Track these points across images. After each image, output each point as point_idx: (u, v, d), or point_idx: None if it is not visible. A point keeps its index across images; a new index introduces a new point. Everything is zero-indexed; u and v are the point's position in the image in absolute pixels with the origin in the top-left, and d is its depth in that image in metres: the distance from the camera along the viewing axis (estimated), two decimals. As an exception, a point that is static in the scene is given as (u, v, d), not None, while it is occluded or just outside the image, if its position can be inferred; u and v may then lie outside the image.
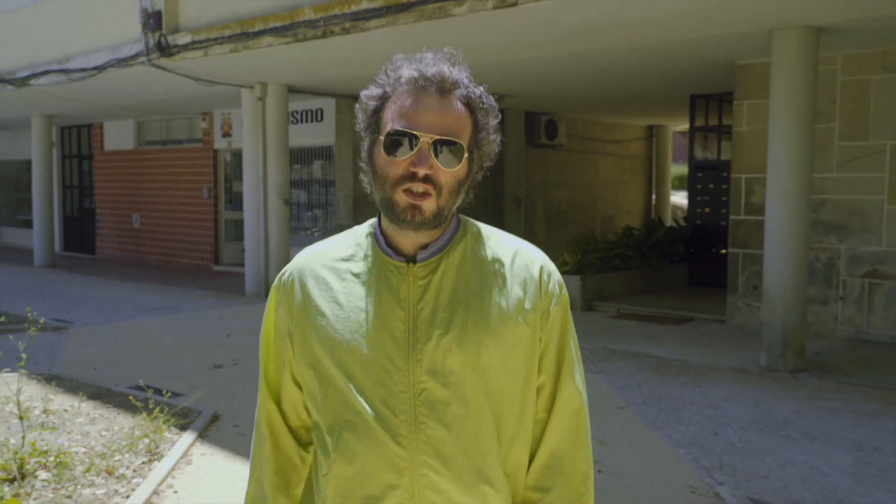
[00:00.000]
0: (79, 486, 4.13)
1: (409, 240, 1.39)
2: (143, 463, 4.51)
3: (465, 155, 1.35)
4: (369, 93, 1.40)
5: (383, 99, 1.37)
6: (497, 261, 1.43)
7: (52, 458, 4.36)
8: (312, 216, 13.81)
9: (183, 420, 5.24)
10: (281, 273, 1.53)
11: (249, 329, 8.71)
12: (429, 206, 1.33)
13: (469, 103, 1.36)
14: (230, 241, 15.29)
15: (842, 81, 7.98)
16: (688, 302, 10.16)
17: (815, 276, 8.22)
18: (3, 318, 6.38)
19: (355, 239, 1.47)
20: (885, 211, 7.83)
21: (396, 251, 1.41)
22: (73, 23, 11.83)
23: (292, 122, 12.95)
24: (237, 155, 14.57)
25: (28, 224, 20.34)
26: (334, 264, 1.45)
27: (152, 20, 10.11)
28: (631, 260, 10.81)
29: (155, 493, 4.09)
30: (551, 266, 1.47)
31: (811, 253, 8.20)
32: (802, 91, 6.75)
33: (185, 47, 9.70)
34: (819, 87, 7.92)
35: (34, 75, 12.41)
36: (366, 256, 1.44)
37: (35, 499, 3.95)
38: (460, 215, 1.47)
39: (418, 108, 1.32)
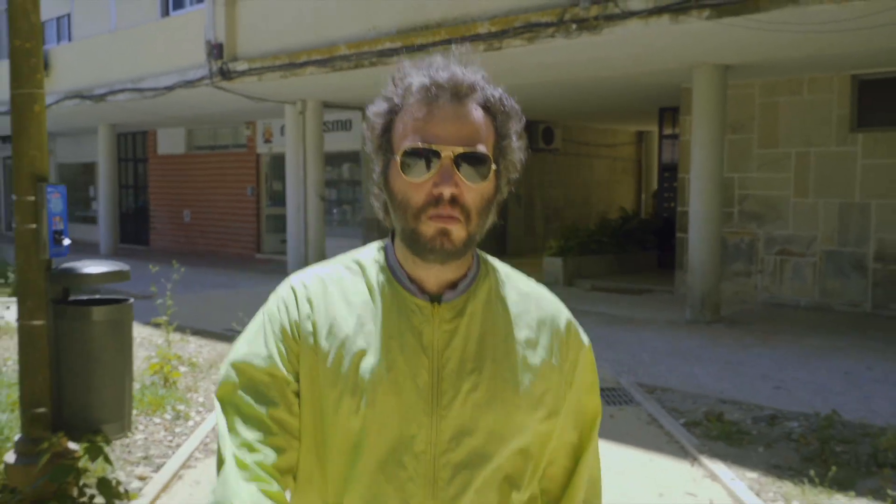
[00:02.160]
0: (206, 378, 6.50)
1: (432, 275, 1.20)
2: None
3: (493, 168, 1.16)
4: (376, 108, 1.22)
5: (392, 113, 1.19)
6: (522, 307, 1.27)
7: (185, 361, 6.73)
8: (341, 210, 16.20)
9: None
10: (276, 296, 1.28)
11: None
12: (458, 232, 1.14)
13: (489, 107, 1.18)
14: (270, 233, 17.70)
15: (758, 103, 10.21)
16: (651, 279, 12.42)
17: (740, 255, 10.46)
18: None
19: (363, 269, 1.26)
20: (791, 203, 10.06)
21: (419, 288, 1.21)
22: (144, 49, 14.29)
23: (325, 130, 15.31)
24: (277, 158, 16.96)
25: (86, 220, 22.93)
26: (345, 295, 1.23)
27: (215, 50, 12.54)
28: (606, 245, 13.09)
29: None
30: (572, 317, 1.33)
31: (737, 237, 10.44)
32: (714, 112, 9.00)
33: (243, 73, 12.10)
34: (742, 108, 10.20)
35: (111, 92, 14.89)
36: (381, 291, 1.22)
37: (177, 388, 6.31)
38: (478, 250, 1.28)
39: (434, 119, 1.14)
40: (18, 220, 3.75)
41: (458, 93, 1.16)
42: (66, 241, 3.81)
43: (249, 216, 17.83)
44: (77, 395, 4.20)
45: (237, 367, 1.21)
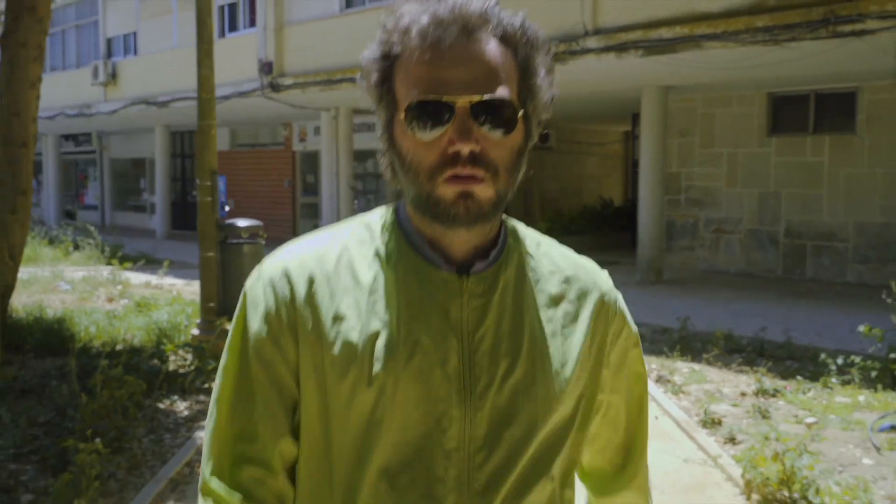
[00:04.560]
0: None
1: (457, 240, 1.02)
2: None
3: (520, 112, 0.97)
4: (371, 55, 1.01)
5: (391, 59, 0.99)
6: (559, 276, 1.10)
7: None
8: (366, 199, 19.05)
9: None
10: (259, 277, 1.06)
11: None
12: (484, 192, 0.96)
13: (508, 39, 0.98)
14: (304, 219, 20.55)
15: (700, 113, 12.93)
16: (620, 254, 15.17)
17: (686, 233, 13.20)
18: (144, 261, 11.69)
19: (373, 236, 1.06)
20: (724, 192, 12.78)
21: (443, 257, 1.02)
22: (204, 65, 17.13)
23: (354, 131, 18.11)
24: (310, 155, 19.80)
25: (136, 209, 25.90)
26: (353, 268, 1.03)
27: (266, 67, 15.40)
28: (586, 227, 15.87)
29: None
30: (618, 294, 1.16)
31: (684, 219, 13.18)
32: (657, 121, 11.74)
33: (289, 87, 14.95)
34: (687, 117, 12.93)
35: (174, 100, 17.77)
36: (397, 261, 1.03)
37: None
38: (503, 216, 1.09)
39: (441, 62, 0.94)
40: (200, 195, 6.59)
41: (468, 26, 0.94)
42: (227, 208, 6.65)
43: (286, 205, 20.69)
44: (233, 295, 7.05)
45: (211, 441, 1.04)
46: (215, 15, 18.06)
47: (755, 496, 4.00)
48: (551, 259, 1.12)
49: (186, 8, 18.38)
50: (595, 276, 1.14)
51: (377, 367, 0.98)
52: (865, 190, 11.36)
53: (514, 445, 1.02)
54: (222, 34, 17.95)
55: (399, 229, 1.06)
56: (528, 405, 1.02)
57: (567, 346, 1.07)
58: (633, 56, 10.00)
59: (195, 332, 6.65)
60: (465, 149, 0.94)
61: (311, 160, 19.97)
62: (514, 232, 1.12)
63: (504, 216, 1.10)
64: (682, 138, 13.15)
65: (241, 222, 7.12)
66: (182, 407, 5.40)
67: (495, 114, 0.95)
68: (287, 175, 20.61)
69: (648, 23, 9.81)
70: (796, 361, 6.86)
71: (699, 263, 13.18)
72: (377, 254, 1.04)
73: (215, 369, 5.93)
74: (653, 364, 6.83)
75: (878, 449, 4.67)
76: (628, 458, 1.21)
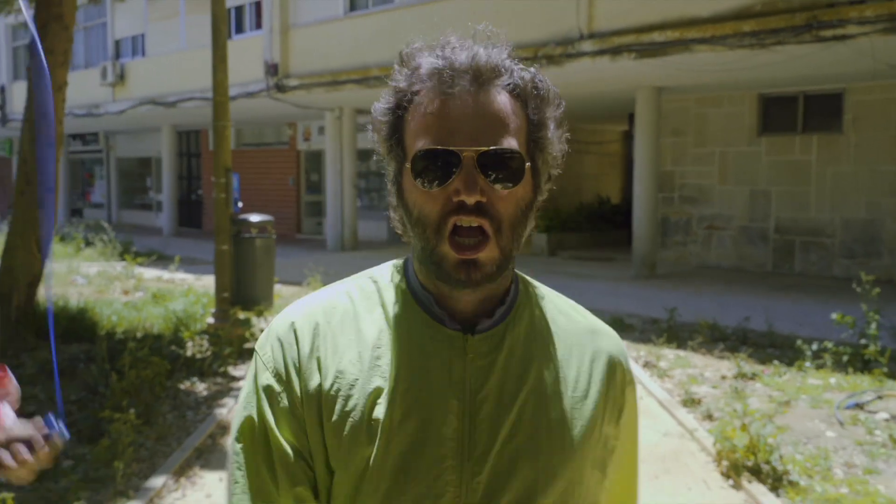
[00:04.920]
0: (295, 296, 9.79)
1: (464, 300, 1.02)
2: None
3: (527, 165, 0.98)
4: (383, 104, 1.02)
5: (401, 108, 1.00)
6: (572, 339, 1.08)
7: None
8: (369, 197, 19.46)
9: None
10: (268, 335, 1.07)
11: (331, 262, 14.31)
12: (488, 254, 0.96)
13: (519, 93, 0.99)
14: (308, 217, 20.98)
15: (693, 113, 13.35)
16: (617, 250, 15.59)
17: (679, 230, 13.61)
18: (155, 256, 12.11)
19: (379, 292, 1.07)
20: (717, 189, 13.20)
21: (448, 314, 1.02)
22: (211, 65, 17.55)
23: (358, 131, 18.52)
24: (314, 154, 20.22)
25: (142, 207, 26.35)
26: (356, 325, 1.04)
27: (272, 69, 15.81)
28: (583, 224, 16.28)
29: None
30: (627, 355, 1.14)
31: (677, 216, 13.60)
32: (651, 121, 12.15)
33: (295, 88, 15.37)
34: (681, 117, 13.34)
35: (182, 100, 18.19)
36: (401, 318, 1.03)
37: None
38: (516, 271, 1.09)
39: (451, 112, 0.95)
40: (216, 192, 7.01)
41: (480, 77, 0.95)
42: (240, 204, 7.08)
43: (290, 203, 21.12)
44: (245, 286, 7.50)
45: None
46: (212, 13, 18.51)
47: (725, 463, 4.42)
48: (563, 319, 1.10)
49: (194, 11, 18.82)
50: (607, 338, 1.12)
51: (374, 427, 0.98)
52: (851, 187, 11.77)
53: None
54: (229, 36, 18.35)
55: (406, 285, 1.05)
56: (528, 472, 0.99)
57: (577, 410, 1.04)
58: (627, 59, 10.41)
59: (210, 320, 7.07)
60: (470, 199, 0.93)
61: (315, 159, 20.41)
62: (526, 289, 1.10)
63: (523, 276, 1.11)
64: (676, 137, 13.56)
65: (254, 217, 7.59)
66: (201, 388, 5.83)
67: (502, 165, 0.95)
68: (291, 174, 21.04)
69: (641, 27, 10.22)
70: (777, 349, 7.28)
71: (692, 259, 13.59)
72: (383, 308, 1.05)
73: (231, 354, 6.40)
74: (641, 351, 7.25)
75: (841, 424, 5.09)
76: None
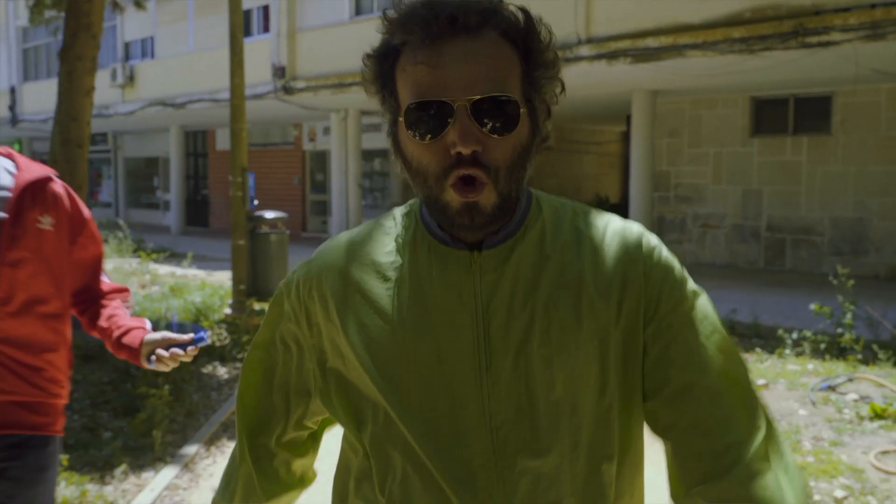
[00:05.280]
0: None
1: (471, 235, 1.04)
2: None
3: (522, 110, 0.97)
4: (372, 55, 1.02)
5: (391, 58, 0.99)
6: (582, 239, 1.07)
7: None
8: (374, 196, 19.92)
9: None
10: (289, 278, 1.17)
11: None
12: (487, 198, 0.97)
13: (511, 35, 0.98)
14: (313, 215, 21.44)
15: (688, 114, 13.78)
16: (615, 249, 16.03)
17: (675, 228, 14.05)
18: (168, 253, 12.55)
19: (394, 225, 1.11)
20: (711, 189, 13.64)
21: (454, 238, 1.05)
22: (219, 68, 17.99)
23: (362, 131, 18.98)
24: (319, 154, 20.67)
25: (149, 206, 26.82)
26: (370, 258, 1.09)
27: (279, 71, 16.26)
28: (582, 223, 16.71)
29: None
30: (654, 239, 1.11)
31: (673, 214, 14.03)
32: (646, 123, 12.59)
33: (301, 90, 15.81)
34: (676, 118, 13.78)
35: (191, 102, 18.64)
36: (412, 246, 1.07)
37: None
38: (531, 189, 1.11)
39: (441, 61, 0.94)
40: (234, 190, 7.45)
41: (468, 22, 0.94)
42: (256, 202, 7.52)
43: (296, 202, 21.57)
44: (260, 279, 7.95)
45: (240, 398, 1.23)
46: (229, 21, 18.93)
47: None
48: (580, 225, 1.09)
49: (202, 14, 19.28)
50: (627, 242, 1.08)
51: (394, 351, 1.03)
52: (839, 187, 12.21)
53: (540, 417, 1.01)
54: (237, 39, 18.82)
55: (420, 216, 1.09)
56: (546, 376, 1.01)
57: (595, 309, 1.03)
58: (623, 63, 10.84)
59: (228, 311, 7.52)
60: (466, 150, 0.93)
61: (320, 159, 20.87)
62: (540, 204, 1.10)
63: (535, 192, 1.12)
64: (671, 138, 14.00)
65: (268, 214, 8.08)
66: (223, 371, 6.28)
67: (497, 112, 0.94)
68: (297, 173, 21.49)
69: (636, 32, 10.66)
70: (762, 339, 7.70)
71: (688, 256, 14.02)
72: (397, 239, 1.09)
73: (248, 342, 6.85)
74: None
75: (813, 403, 5.53)
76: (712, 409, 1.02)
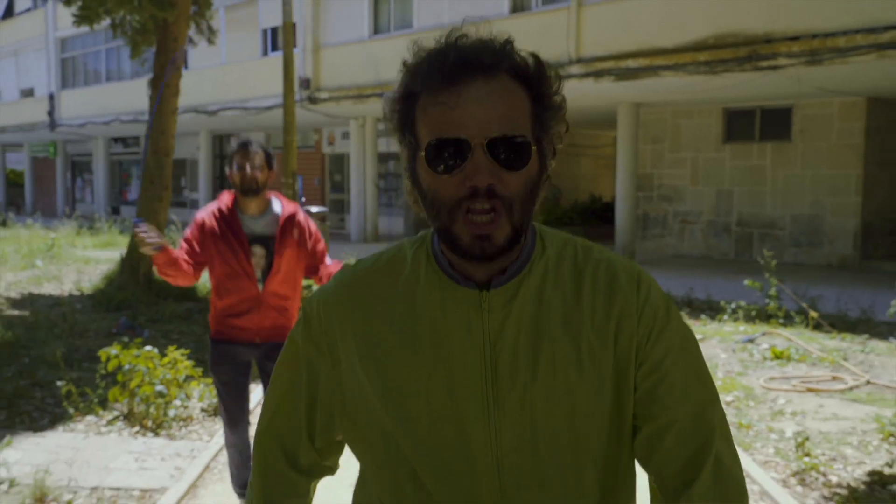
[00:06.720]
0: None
1: (480, 269, 1.10)
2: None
3: (533, 148, 1.05)
4: (393, 95, 1.10)
5: (411, 98, 1.07)
6: (581, 277, 1.14)
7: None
8: (388, 196, 21.76)
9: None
10: (306, 314, 1.22)
11: (357, 251, 16.54)
12: (500, 231, 1.04)
13: (522, 76, 1.06)
14: (332, 213, 23.25)
15: (669, 123, 15.58)
16: (605, 243, 17.76)
17: (658, 224, 15.85)
18: None
19: (405, 260, 1.17)
20: (689, 189, 15.43)
21: (464, 276, 1.11)
22: (249, 79, 19.88)
23: (379, 136, 20.79)
24: (338, 157, 22.51)
25: (176, 205, 28.58)
26: (382, 292, 1.16)
27: (304, 83, 18.12)
28: (576, 219, 18.52)
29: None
30: (646, 276, 1.16)
31: (656, 212, 15.83)
32: (630, 131, 14.39)
33: (325, 100, 17.66)
34: (659, 126, 15.58)
35: (222, 109, 20.51)
36: (423, 282, 1.14)
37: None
38: (535, 224, 1.16)
39: (459, 101, 1.02)
40: (285, 189, 9.27)
41: (484, 65, 1.03)
42: (303, 199, 9.36)
43: (317, 200, 23.41)
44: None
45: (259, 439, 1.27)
46: (259, 37, 20.81)
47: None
48: (578, 262, 1.14)
49: (233, 29, 21.16)
50: (623, 284, 1.13)
51: (406, 383, 1.10)
52: (798, 188, 13.99)
53: (539, 451, 1.09)
54: (265, 53, 20.69)
55: (430, 251, 1.15)
56: (550, 412, 1.08)
57: (594, 344, 1.10)
58: (608, 81, 12.65)
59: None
60: (482, 184, 1.00)
61: (339, 161, 22.69)
62: (544, 240, 1.15)
63: (539, 227, 1.17)
64: (654, 144, 15.79)
65: (314, 208, 9.91)
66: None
67: (510, 149, 1.02)
68: (317, 174, 23.34)
69: (619, 54, 12.46)
70: (713, 311, 9.51)
71: (669, 249, 15.83)
72: (408, 273, 1.15)
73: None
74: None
75: (733, 350, 7.33)
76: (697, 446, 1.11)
